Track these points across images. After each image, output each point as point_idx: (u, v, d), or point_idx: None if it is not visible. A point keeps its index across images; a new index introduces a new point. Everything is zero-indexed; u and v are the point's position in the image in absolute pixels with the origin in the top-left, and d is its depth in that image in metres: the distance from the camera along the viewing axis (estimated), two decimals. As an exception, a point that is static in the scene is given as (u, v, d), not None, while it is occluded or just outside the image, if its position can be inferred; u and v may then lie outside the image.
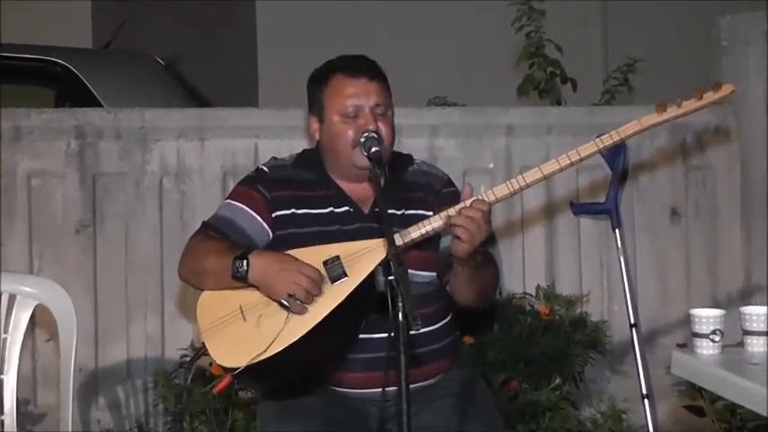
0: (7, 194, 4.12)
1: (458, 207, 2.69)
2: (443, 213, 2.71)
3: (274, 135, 4.20)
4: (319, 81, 2.94)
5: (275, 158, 3.06)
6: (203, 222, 2.96)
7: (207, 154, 4.21)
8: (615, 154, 3.48)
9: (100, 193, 4.18)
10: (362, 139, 2.80)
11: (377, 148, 2.76)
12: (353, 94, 2.86)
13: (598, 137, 2.78)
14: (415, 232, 2.72)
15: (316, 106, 2.94)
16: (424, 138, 4.27)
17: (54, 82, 5.13)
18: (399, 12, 8.03)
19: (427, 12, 8.05)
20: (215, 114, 4.38)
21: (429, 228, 2.72)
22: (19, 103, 4.38)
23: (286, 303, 2.66)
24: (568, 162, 2.75)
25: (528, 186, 2.77)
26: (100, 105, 4.81)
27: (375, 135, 2.80)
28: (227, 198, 3.00)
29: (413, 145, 4.17)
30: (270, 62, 8.07)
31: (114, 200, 4.18)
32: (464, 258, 2.72)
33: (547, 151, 4.22)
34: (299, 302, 2.66)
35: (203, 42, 7.85)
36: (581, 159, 2.77)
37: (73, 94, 5.00)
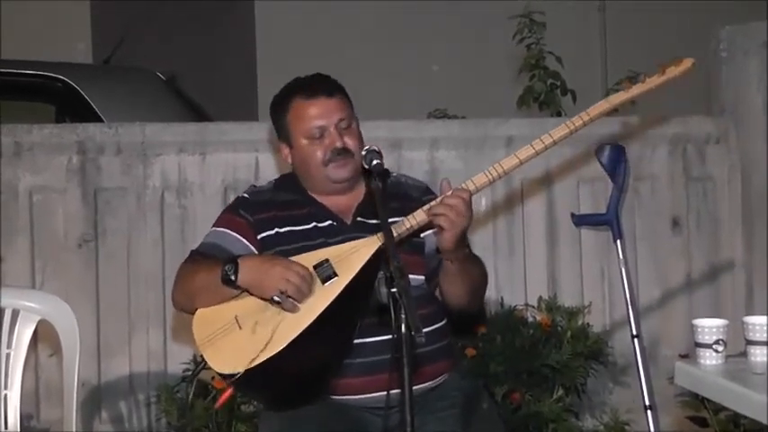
0: (9, 210, 4.12)
1: (438, 199, 2.76)
2: (425, 207, 2.77)
3: (275, 149, 4.20)
4: (280, 108, 2.98)
5: (254, 186, 3.14)
6: (191, 251, 3.01)
7: (208, 168, 4.22)
8: (616, 165, 3.48)
9: (101, 207, 4.18)
10: (363, 153, 2.82)
11: (378, 161, 2.78)
12: (316, 116, 2.90)
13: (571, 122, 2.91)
14: (401, 227, 2.77)
15: (282, 133, 2.98)
16: (425, 150, 4.28)
17: (54, 97, 5.14)
18: (399, 25, 8.03)
19: (427, 25, 8.05)
20: (215, 129, 4.38)
21: (414, 221, 2.78)
22: (20, 119, 4.39)
23: (278, 299, 2.68)
24: (542, 146, 2.89)
25: (506, 173, 2.87)
26: (101, 120, 4.81)
27: (375, 148, 2.82)
28: (212, 226, 3.03)
29: (413, 158, 4.18)
30: (269, 76, 8.05)
31: (116, 214, 4.18)
32: (451, 249, 2.77)
33: (546, 162, 4.23)
34: (290, 299, 2.69)
35: (203, 57, 7.86)
36: (554, 142, 2.91)
37: (73, 109, 5.00)
